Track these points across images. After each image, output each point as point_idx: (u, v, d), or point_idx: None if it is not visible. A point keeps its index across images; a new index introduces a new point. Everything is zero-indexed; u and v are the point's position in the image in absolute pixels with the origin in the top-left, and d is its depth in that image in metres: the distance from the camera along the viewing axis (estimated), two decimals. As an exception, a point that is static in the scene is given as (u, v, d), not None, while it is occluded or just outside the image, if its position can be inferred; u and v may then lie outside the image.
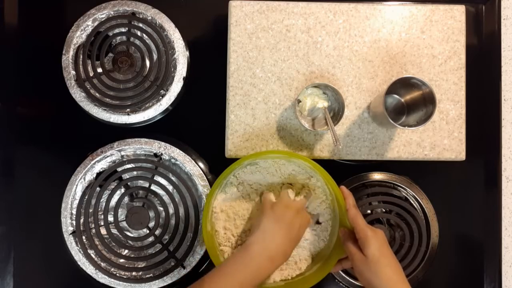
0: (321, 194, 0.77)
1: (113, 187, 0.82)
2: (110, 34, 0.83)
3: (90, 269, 0.80)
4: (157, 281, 0.80)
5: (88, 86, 0.83)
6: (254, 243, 0.67)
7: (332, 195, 0.76)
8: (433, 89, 0.70)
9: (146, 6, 0.82)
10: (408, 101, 0.79)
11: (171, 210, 0.82)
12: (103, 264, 0.81)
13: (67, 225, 0.81)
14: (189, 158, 0.81)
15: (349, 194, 0.73)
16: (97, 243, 0.82)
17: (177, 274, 0.80)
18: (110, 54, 0.84)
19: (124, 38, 0.84)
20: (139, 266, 0.82)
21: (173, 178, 0.82)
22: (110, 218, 0.82)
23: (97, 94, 0.83)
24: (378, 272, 0.64)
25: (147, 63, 0.84)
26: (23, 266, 0.84)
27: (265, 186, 0.78)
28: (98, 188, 0.82)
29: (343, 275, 0.82)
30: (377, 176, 0.84)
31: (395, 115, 0.79)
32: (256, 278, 0.65)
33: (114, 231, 0.82)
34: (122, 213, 0.83)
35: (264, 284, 0.75)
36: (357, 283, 0.82)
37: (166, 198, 0.82)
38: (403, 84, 0.74)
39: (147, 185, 0.82)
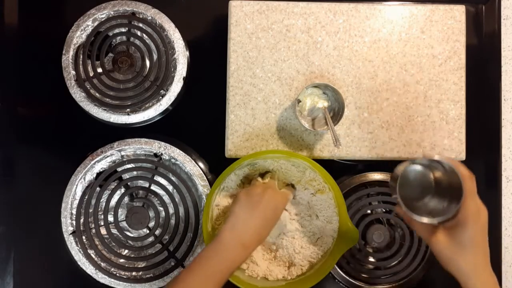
0: (319, 187, 0.77)
1: (113, 187, 0.82)
2: (110, 34, 0.83)
3: (90, 269, 0.80)
4: (157, 281, 0.80)
5: (88, 86, 0.83)
6: (225, 230, 0.66)
7: (331, 193, 0.76)
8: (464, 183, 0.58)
9: (146, 6, 0.82)
10: (437, 179, 0.65)
11: (171, 210, 0.82)
12: (103, 264, 0.81)
13: (67, 225, 0.81)
14: (189, 158, 0.81)
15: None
16: (97, 243, 0.82)
17: (178, 274, 0.80)
18: (110, 54, 0.84)
19: (124, 38, 0.84)
20: (139, 266, 0.82)
21: (173, 178, 0.82)
22: (110, 218, 0.82)
23: (97, 94, 0.83)
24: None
25: (147, 63, 0.84)
26: (23, 266, 0.84)
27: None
28: (98, 188, 0.82)
29: (343, 275, 0.82)
30: (377, 176, 0.84)
31: (420, 191, 0.65)
32: (230, 267, 0.65)
33: (114, 231, 0.82)
34: (122, 213, 0.83)
35: (266, 283, 0.76)
36: (357, 283, 0.82)
37: (166, 198, 0.82)
38: (432, 162, 0.61)
39: (147, 185, 0.82)
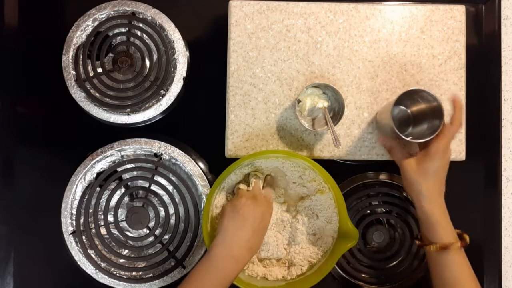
0: (321, 192, 0.77)
1: (113, 187, 0.82)
2: (110, 34, 0.83)
3: (90, 269, 0.80)
4: (157, 281, 0.80)
5: (88, 86, 0.83)
6: (216, 245, 0.67)
7: (331, 193, 0.76)
8: (442, 104, 0.70)
9: (146, 6, 0.82)
10: (415, 112, 0.77)
11: (171, 210, 0.82)
12: (103, 264, 0.81)
13: (67, 225, 0.81)
14: (189, 158, 0.81)
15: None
16: (97, 243, 0.82)
17: (177, 274, 0.80)
18: (110, 54, 0.84)
19: (124, 38, 0.84)
20: (139, 266, 0.82)
21: (173, 178, 0.82)
22: (110, 218, 0.82)
23: (97, 94, 0.83)
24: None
25: (147, 63, 0.84)
26: (23, 266, 0.84)
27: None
28: (98, 188, 0.82)
29: (343, 275, 0.82)
30: (377, 176, 0.84)
31: (399, 126, 0.74)
32: (223, 282, 0.65)
33: (114, 231, 0.82)
34: (122, 213, 0.83)
35: (266, 283, 0.76)
36: (357, 283, 0.82)
37: (166, 198, 0.82)
38: (411, 95, 0.72)
39: (147, 185, 0.82)
